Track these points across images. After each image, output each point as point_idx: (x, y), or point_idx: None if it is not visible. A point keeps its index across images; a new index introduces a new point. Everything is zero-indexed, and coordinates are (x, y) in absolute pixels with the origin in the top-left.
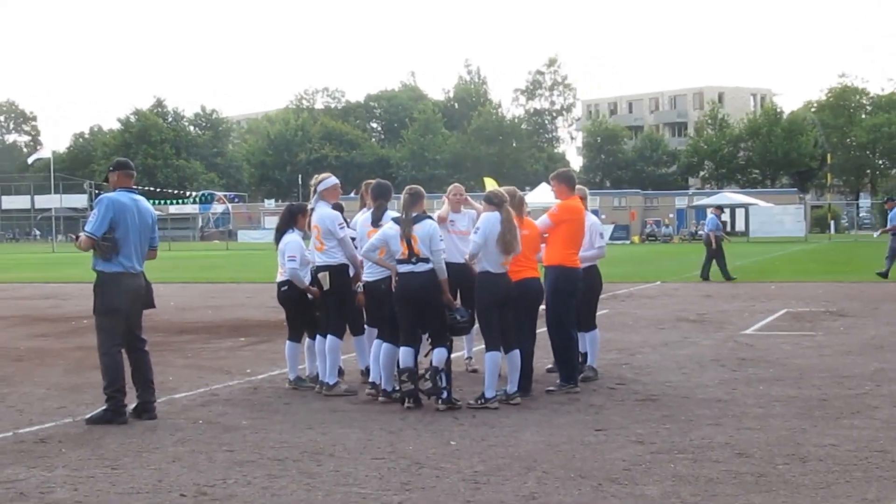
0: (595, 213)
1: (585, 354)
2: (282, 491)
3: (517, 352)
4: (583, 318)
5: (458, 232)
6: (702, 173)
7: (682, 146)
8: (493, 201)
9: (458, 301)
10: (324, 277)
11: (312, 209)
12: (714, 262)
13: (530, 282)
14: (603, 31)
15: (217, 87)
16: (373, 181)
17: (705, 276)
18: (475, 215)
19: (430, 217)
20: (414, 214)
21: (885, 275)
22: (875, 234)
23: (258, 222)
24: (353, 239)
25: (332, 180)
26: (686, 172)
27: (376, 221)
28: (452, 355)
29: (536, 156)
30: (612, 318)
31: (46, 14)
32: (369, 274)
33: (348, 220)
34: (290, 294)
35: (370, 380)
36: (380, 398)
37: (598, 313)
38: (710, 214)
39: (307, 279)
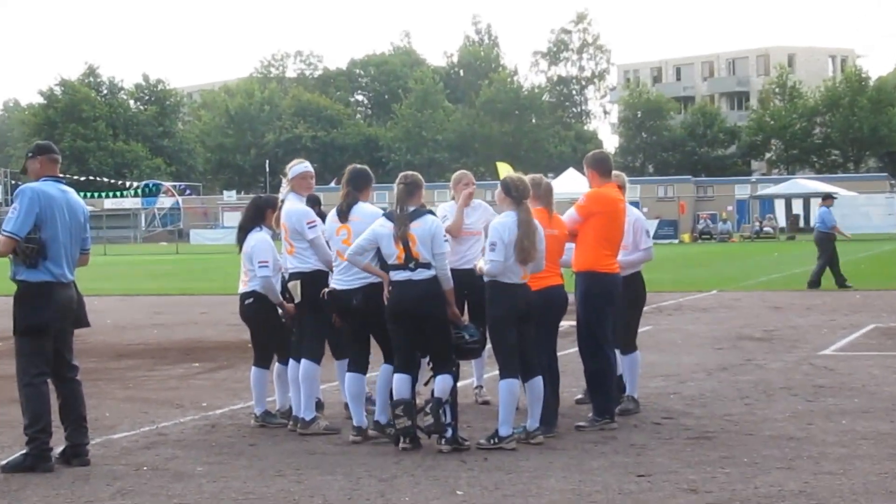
0: (636, 205)
1: (621, 379)
2: None
3: (539, 379)
4: (621, 335)
5: (469, 232)
6: (768, 155)
7: (742, 121)
8: (512, 193)
9: (466, 316)
10: (294, 287)
11: (283, 202)
12: (819, 263)
13: (554, 291)
14: None
15: (163, 51)
16: (360, 167)
17: (841, 283)
18: (489, 210)
19: (430, 212)
20: (411, 209)
21: None
22: None
23: (216, 219)
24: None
25: (302, 167)
26: (748, 154)
27: (343, 214)
28: (459, 384)
29: (562, 135)
30: (656, 336)
31: None
32: (340, 280)
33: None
34: (256, 309)
35: (354, 423)
36: (370, 431)
37: (640, 330)
38: (821, 207)
39: (278, 289)
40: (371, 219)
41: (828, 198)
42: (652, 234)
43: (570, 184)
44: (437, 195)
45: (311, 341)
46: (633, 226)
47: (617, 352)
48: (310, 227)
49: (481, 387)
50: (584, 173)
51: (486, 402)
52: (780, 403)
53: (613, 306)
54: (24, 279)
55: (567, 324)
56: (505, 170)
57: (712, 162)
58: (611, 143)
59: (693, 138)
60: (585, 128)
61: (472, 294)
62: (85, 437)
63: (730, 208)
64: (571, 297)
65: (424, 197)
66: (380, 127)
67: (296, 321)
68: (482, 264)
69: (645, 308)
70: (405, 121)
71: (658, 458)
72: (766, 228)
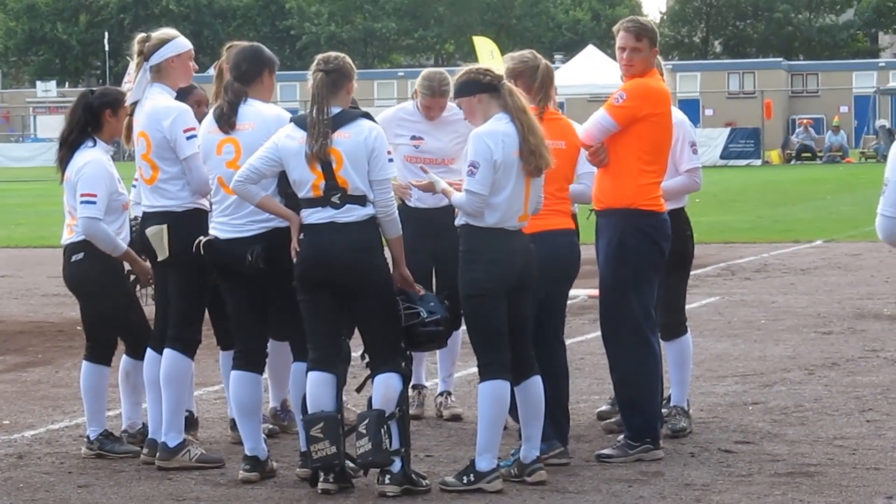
0: (694, 105)
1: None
2: None
3: (539, 380)
4: (661, 311)
5: (429, 159)
6: None
7: None
8: (474, 86)
9: (434, 285)
10: (158, 236)
11: (139, 101)
12: None
13: (559, 239)
14: None
15: None
16: (242, 44)
17: None
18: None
19: (366, 115)
20: (335, 110)
21: None
22: None
23: (24, 128)
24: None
25: (178, 44)
26: (874, 24)
27: (225, 120)
28: (413, 388)
29: None
30: (725, 313)
31: None
32: (225, 225)
33: None
34: (89, 269)
35: (247, 451)
36: (272, 464)
37: (700, 303)
38: None
39: (123, 238)
40: (272, 125)
41: None
42: (721, 149)
43: (591, 70)
44: (377, 89)
45: (180, 322)
46: (677, 135)
47: None
48: (189, 138)
49: (449, 393)
50: (610, 52)
51: (456, 417)
52: None
53: (660, 265)
54: None
55: (583, 294)
56: (486, 49)
57: (816, 36)
58: (654, 5)
59: None
60: None
61: (447, 251)
62: None
63: (844, 109)
64: (585, 253)
65: (357, 92)
66: None
67: (158, 289)
68: (444, 185)
69: (703, 269)
70: None
71: None
72: None
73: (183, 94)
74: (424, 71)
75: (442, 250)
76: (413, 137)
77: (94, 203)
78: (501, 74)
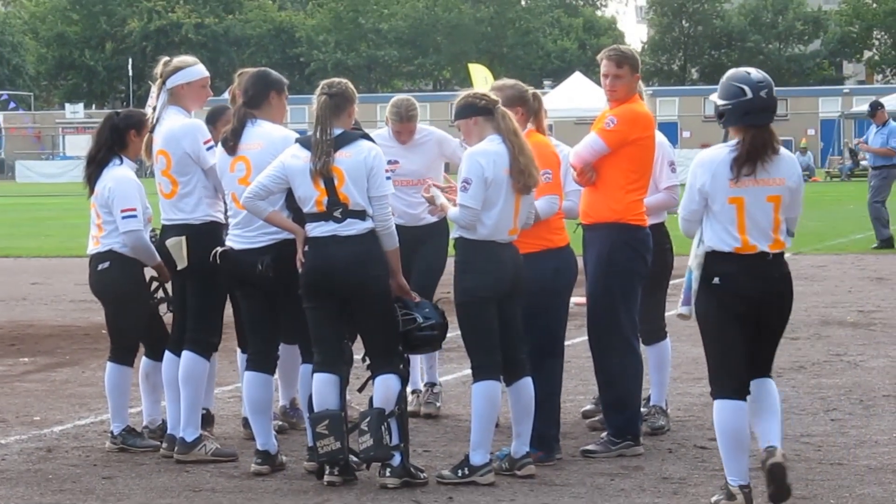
0: (673, 127)
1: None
2: None
3: (528, 381)
4: (644, 320)
5: (406, 181)
6: (868, 54)
7: (831, 5)
8: (471, 110)
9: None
10: (177, 246)
11: (157, 121)
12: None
13: (555, 256)
14: None
15: None
16: (251, 70)
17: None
18: (446, 146)
19: (365, 136)
20: (338, 132)
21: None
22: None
23: (53, 147)
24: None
25: (192, 72)
26: (839, 53)
27: (229, 145)
28: (412, 393)
29: (564, 24)
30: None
31: None
32: (240, 237)
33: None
34: (114, 277)
35: (259, 446)
36: (281, 457)
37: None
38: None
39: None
40: (279, 145)
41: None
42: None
43: (577, 95)
44: (379, 112)
45: (197, 325)
46: (657, 156)
47: None
48: (208, 149)
49: (433, 384)
50: (595, 79)
51: (428, 416)
52: (885, 419)
53: (643, 275)
54: None
55: (570, 301)
56: (480, 76)
57: (785, 64)
58: (635, 35)
59: (757, 29)
60: (599, 13)
61: (421, 264)
62: None
63: (811, 132)
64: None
65: (361, 114)
66: (296, 11)
67: (176, 296)
68: (443, 200)
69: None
70: (334, 2)
71: (703, 500)
72: (864, 162)
73: (215, 116)
74: (393, 99)
75: (418, 263)
76: (390, 162)
77: (135, 216)
78: (497, 99)
